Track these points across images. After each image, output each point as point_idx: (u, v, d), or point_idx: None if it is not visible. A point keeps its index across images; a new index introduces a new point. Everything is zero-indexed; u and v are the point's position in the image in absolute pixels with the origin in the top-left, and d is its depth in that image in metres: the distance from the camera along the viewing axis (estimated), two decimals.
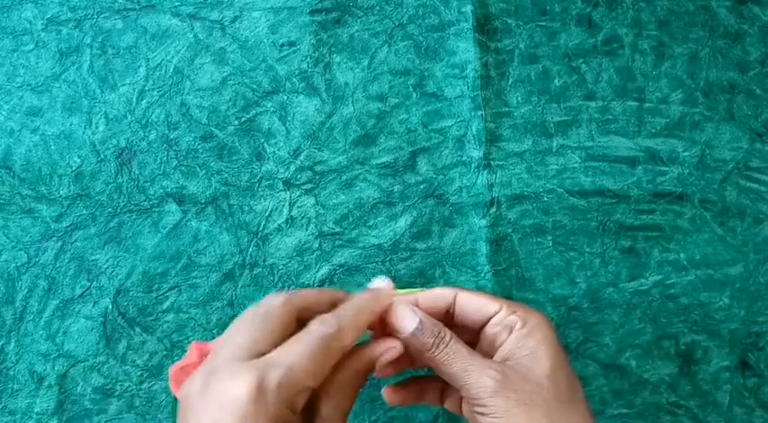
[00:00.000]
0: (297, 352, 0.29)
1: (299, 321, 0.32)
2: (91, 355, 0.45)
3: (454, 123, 0.47)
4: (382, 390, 0.38)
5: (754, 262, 0.46)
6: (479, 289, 0.45)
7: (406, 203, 0.46)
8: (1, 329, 0.45)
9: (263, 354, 0.29)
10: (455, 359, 0.32)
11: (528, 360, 0.32)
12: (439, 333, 0.32)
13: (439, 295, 0.35)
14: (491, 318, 0.34)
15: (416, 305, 0.34)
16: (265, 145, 0.47)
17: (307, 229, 0.46)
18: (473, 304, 0.34)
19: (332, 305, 0.33)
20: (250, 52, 0.48)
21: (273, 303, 0.31)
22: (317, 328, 0.30)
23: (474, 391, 0.31)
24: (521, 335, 0.33)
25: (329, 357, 0.30)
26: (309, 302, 0.33)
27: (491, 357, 0.33)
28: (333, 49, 0.48)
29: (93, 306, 0.45)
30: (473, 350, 0.33)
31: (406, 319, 0.33)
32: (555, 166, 0.46)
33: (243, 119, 0.47)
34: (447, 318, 0.35)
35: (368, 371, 0.33)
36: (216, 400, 0.28)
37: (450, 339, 0.32)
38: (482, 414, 0.31)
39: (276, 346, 0.30)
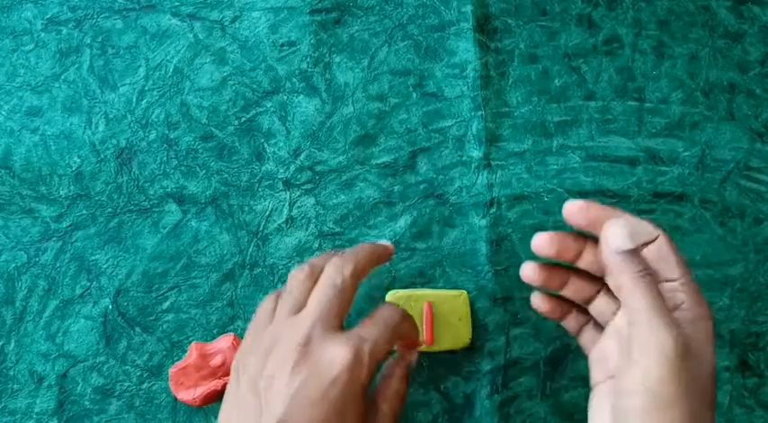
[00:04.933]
0: (378, 330, 0.34)
1: None
2: (91, 355, 0.45)
3: (454, 123, 0.47)
4: (532, 295, 0.39)
5: (754, 262, 0.46)
6: (479, 289, 0.45)
7: (406, 203, 0.46)
8: (1, 329, 0.45)
9: (342, 325, 0.34)
10: (653, 296, 0.31)
11: (695, 347, 0.31)
12: (647, 265, 0.32)
13: (646, 230, 0.34)
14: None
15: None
16: (265, 145, 0.47)
17: (307, 229, 0.46)
18: (663, 256, 0.33)
19: (379, 261, 0.39)
20: (250, 52, 0.48)
21: (346, 277, 0.35)
22: (390, 314, 0.35)
23: (652, 341, 0.30)
24: (686, 317, 0.32)
25: (397, 336, 0.35)
26: (365, 268, 0.37)
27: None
28: (333, 49, 0.48)
29: (93, 306, 0.45)
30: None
31: (627, 240, 0.33)
32: (555, 166, 0.46)
33: (243, 119, 0.47)
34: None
35: (408, 376, 0.37)
36: (315, 367, 0.32)
37: (654, 276, 0.32)
38: (639, 365, 0.30)
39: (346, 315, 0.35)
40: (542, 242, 0.36)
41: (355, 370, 0.32)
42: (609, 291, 0.36)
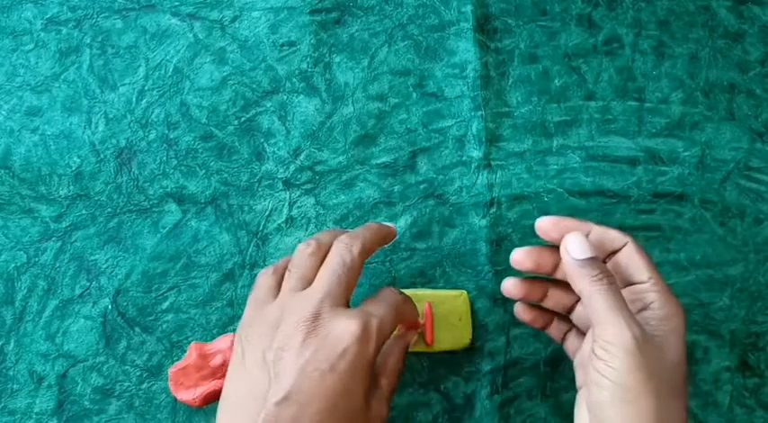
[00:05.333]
0: (384, 308, 0.35)
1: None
2: (90, 355, 0.45)
3: (454, 123, 0.47)
4: (515, 305, 0.41)
5: (754, 262, 0.46)
6: (479, 289, 0.45)
7: (406, 203, 0.46)
8: (1, 329, 0.45)
9: (349, 302, 0.35)
10: (610, 297, 0.33)
11: (659, 341, 0.33)
12: (605, 269, 0.34)
13: (613, 238, 0.36)
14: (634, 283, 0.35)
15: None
16: (265, 145, 0.47)
17: (307, 229, 0.46)
18: (632, 261, 0.35)
19: (385, 241, 0.40)
20: (250, 52, 0.48)
21: (355, 255, 0.36)
22: (393, 295, 0.37)
23: (610, 336, 0.32)
24: (656, 315, 0.34)
25: (400, 317, 0.37)
26: (372, 247, 0.38)
27: None
28: (333, 49, 0.48)
29: (93, 306, 0.45)
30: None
31: (585, 249, 0.35)
32: (555, 166, 0.46)
33: (243, 119, 0.47)
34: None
35: (404, 355, 0.38)
36: (325, 339, 0.33)
37: (613, 278, 0.34)
38: (602, 360, 0.32)
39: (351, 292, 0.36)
40: (520, 257, 0.37)
41: (364, 343, 0.33)
42: None
